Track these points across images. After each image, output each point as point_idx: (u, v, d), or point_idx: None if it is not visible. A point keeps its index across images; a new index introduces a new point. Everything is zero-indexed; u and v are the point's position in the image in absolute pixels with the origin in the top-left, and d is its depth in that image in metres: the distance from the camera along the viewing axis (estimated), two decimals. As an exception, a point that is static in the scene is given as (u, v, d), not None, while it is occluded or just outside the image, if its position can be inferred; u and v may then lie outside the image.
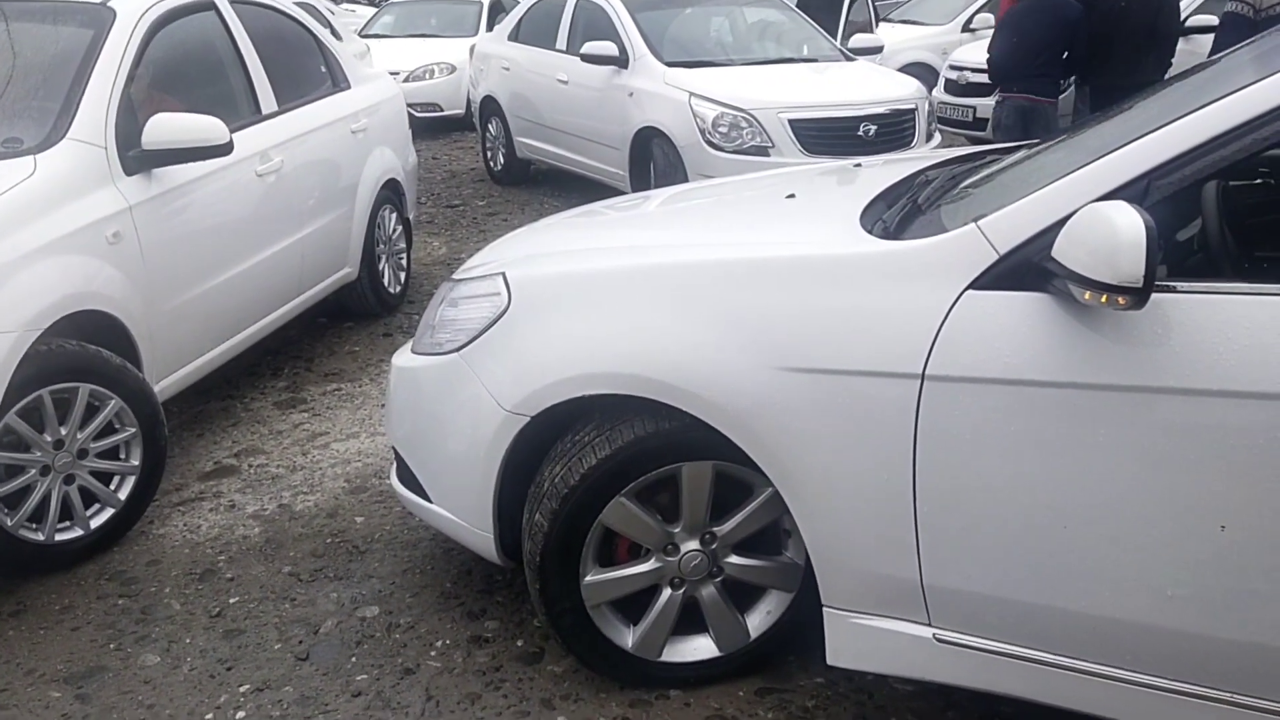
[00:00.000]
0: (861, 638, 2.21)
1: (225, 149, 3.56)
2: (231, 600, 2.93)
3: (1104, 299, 1.75)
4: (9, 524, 2.90)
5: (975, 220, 2.00)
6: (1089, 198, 1.86)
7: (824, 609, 2.24)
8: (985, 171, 2.56)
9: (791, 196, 2.72)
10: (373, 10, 15.69)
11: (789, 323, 2.13)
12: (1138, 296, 1.73)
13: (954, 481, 2.01)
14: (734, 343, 2.16)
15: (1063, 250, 1.82)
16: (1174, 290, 1.83)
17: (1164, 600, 1.91)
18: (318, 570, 3.07)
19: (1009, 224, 1.95)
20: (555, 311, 2.40)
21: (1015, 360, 1.91)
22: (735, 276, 2.21)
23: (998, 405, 1.93)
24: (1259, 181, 2.76)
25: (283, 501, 3.48)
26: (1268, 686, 1.89)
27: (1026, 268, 1.92)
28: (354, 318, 5.31)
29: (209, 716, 2.46)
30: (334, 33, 5.27)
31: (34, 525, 2.97)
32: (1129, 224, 1.70)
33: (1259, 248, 2.53)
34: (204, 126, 3.47)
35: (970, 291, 1.97)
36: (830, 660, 2.26)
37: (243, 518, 3.38)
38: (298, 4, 6.15)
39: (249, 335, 4.14)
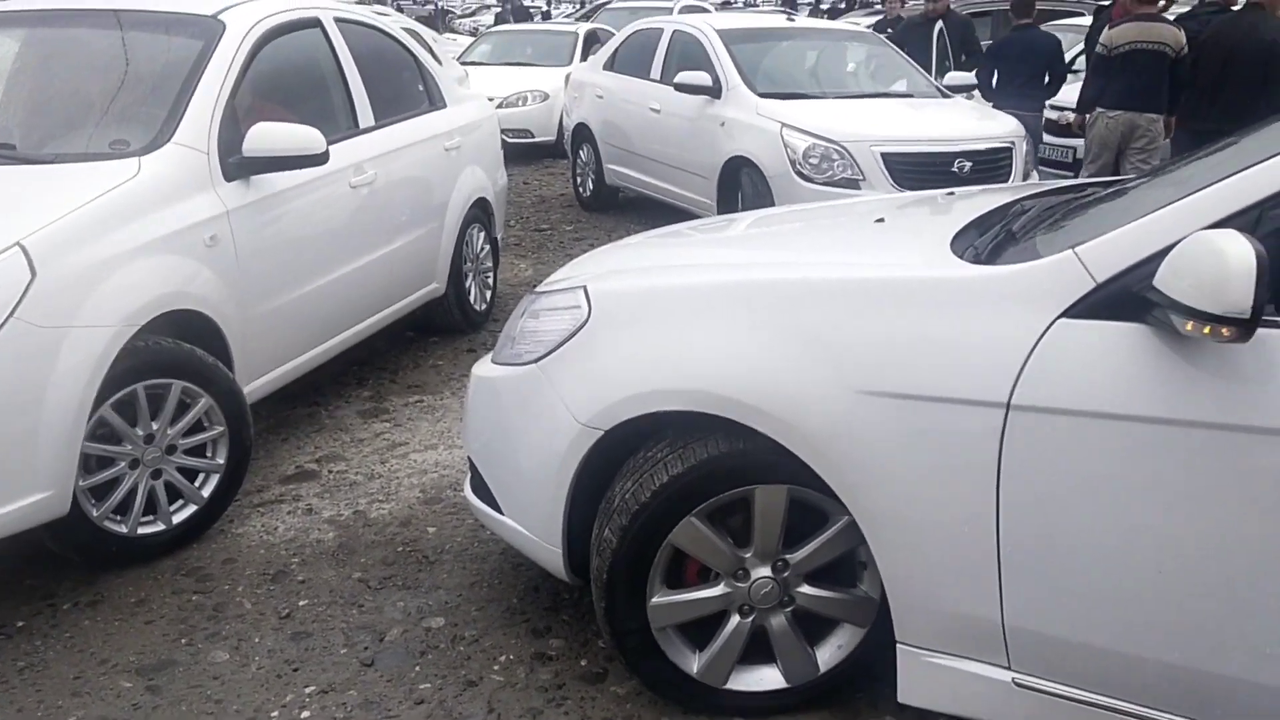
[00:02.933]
0: (936, 677, 2.12)
1: (321, 159, 3.64)
2: (301, 603, 2.95)
3: (1207, 330, 1.68)
4: (95, 514, 2.97)
5: (1073, 247, 1.92)
6: (1196, 226, 1.79)
7: (897, 645, 2.16)
8: (1083, 201, 2.48)
9: (880, 220, 2.67)
10: (472, 38, 16.05)
11: (870, 345, 2.07)
12: (1244, 329, 1.65)
13: (1039, 518, 1.92)
14: (811, 363, 2.11)
15: (1165, 279, 1.74)
16: (1278, 326, 1.74)
17: (1262, 658, 1.79)
18: (387, 578, 3.08)
19: (1109, 251, 1.88)
20: (633, 326, 2.38)
21: (1107, 392, 1.83)
22: (815, 295, 2.17)
23: (1086, 439, 1.85)
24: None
25: (358, 508, 3.52)
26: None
27: (1125, 297, 1.85)
28: (440, 333, 5.38)
29: (274, 714, 2.48)
30: (434, 56, 5.37)
31: (118, 517, 3.05)
32: (1239, 252, 1.62)
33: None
34: (302, 136, 3.55)
35: (1063, 319, 1.89)
36: (901, 698, 2.18)
37: (318, 522, 3.42)
38: (404, 29, 6.31)
39: (337, 344, 4.21)
